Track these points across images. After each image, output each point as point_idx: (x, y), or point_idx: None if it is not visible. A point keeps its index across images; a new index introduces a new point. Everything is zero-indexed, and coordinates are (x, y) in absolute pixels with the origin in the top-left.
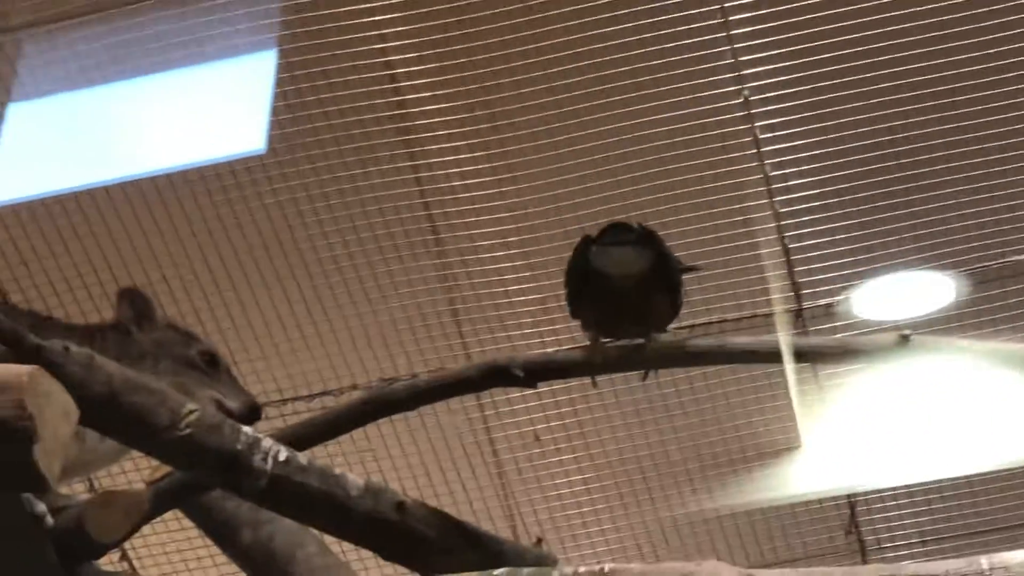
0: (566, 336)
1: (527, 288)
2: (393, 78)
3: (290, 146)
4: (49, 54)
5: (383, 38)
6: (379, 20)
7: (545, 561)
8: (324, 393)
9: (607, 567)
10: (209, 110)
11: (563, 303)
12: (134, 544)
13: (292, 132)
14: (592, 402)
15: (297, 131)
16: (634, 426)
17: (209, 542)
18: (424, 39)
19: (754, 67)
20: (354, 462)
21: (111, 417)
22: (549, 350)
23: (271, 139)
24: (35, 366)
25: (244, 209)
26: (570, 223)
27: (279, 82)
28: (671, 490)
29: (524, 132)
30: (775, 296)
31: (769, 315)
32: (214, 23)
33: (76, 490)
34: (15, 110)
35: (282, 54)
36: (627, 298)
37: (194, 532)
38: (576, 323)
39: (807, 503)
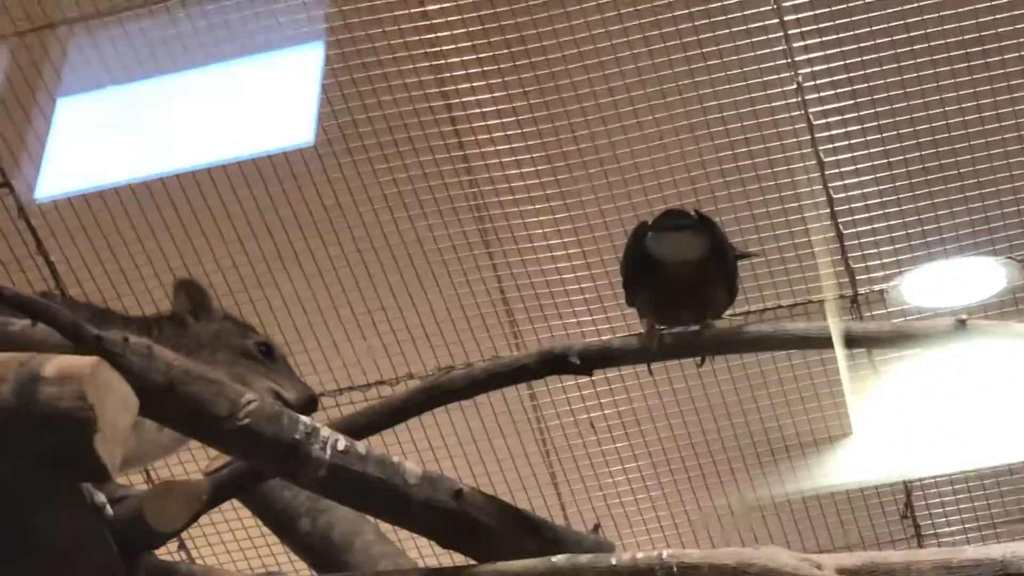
0: (619, 324)
1: (580, 276)
2: (442, 68)
3: (341, 136)
4: (98, 48)
5: (432, 28)
6: (428, 9)
7: (603, 548)
8: (380, 383)
9: (665, 553)
10: (257, 103)
11: (615, 291)
12: (191, 533)
13: (342, 123)
14: (645, 390)
15: (347, 122)
16: (687, 413)
17: (265, 530)
18: (474, 27)
19: (807, 53)
20: (408, 451)
21: (170, 407)
22: (604, 337)
23: (322, 130)
24: (96, 357)
25: (298, 199)
26: (624, 211)
27: (327, 74)
28: (725, 477)
29: (577, 119)
30: (829, 282)
31: (823, 301)
32: (263, 15)
33: (133, 480)
34: (64, 104)
35: (330, 45)
36: (683, 284)
37: (250, 520)
38: (628, 310)
39: (862, 489)
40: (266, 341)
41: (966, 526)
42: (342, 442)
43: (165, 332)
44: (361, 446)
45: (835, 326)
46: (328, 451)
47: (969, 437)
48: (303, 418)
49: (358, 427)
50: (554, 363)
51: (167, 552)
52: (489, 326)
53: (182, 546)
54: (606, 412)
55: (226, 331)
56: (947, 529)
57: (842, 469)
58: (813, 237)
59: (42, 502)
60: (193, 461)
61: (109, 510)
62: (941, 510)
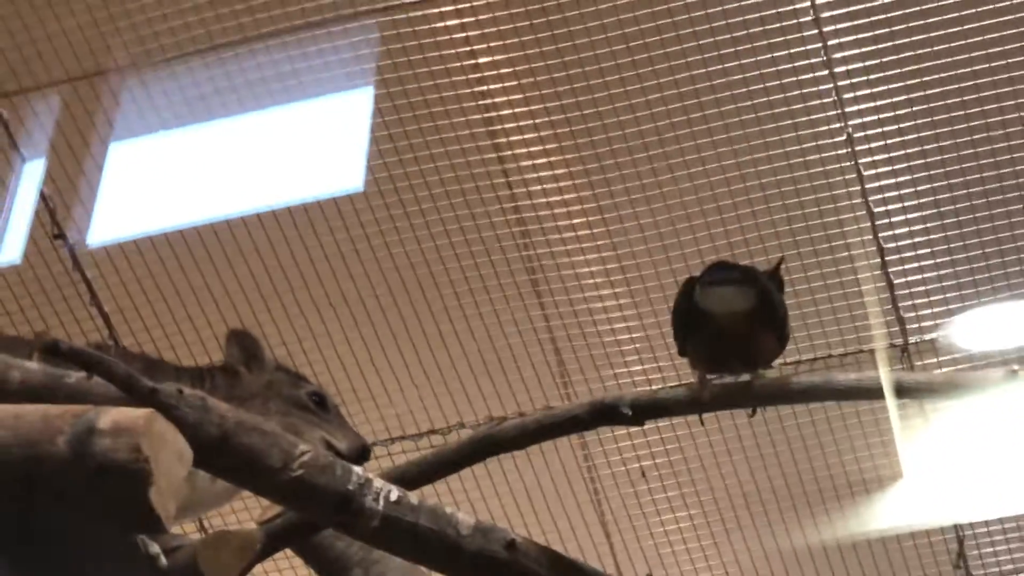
0: (670, 373)
1: (630, 324)
2: (491, 110)
3: (391, 180)
4: (149, 93)
5: (481, 80)
6: (475, 49)
7: None
8: (431, 432)
9: None
10: (307, 148)
11: (665, 339)
12: None
13: (391, 167)
14: (696, 439)
15: (396, 165)
16: (737, 460)
17: None
18: (523, 71)
19: (857, 104)
20: (460, 500)
21: (224, 458)
22: (654, 385)
23: (371, 175)
24: (150, 409)
25: (349, 248)
26: (675, 260)
27: (377, 118)
28: (775, 524)
29: (628, 171)
30: (879, 332)
31: (873, 350)
32: (312, 59)
33: (186, 530)
34: (117, 148)
35: (379, 86)
36: (733, 336)
37: (303, 569)
38: (677, 358)
39: (913, 535)
40: (318, 391)
41: (1017, 572)
42: (395, 493)
43: (217, 383)
44: (413, 497)
45: (886, 377)
46: (381, 502)
47: (1020, 482)
48: (356, 469)
49: (410, 477)
50: (605, 413)
51: None
52: (540, 375)
53: None
54: (657, 461)
55: (278, 381)
56: (998, 574)
57: (892, 515)
58: (864, 287)
59: (96, 553)
60: (246, 510)
61: (163, 560)
62: (994, 559)
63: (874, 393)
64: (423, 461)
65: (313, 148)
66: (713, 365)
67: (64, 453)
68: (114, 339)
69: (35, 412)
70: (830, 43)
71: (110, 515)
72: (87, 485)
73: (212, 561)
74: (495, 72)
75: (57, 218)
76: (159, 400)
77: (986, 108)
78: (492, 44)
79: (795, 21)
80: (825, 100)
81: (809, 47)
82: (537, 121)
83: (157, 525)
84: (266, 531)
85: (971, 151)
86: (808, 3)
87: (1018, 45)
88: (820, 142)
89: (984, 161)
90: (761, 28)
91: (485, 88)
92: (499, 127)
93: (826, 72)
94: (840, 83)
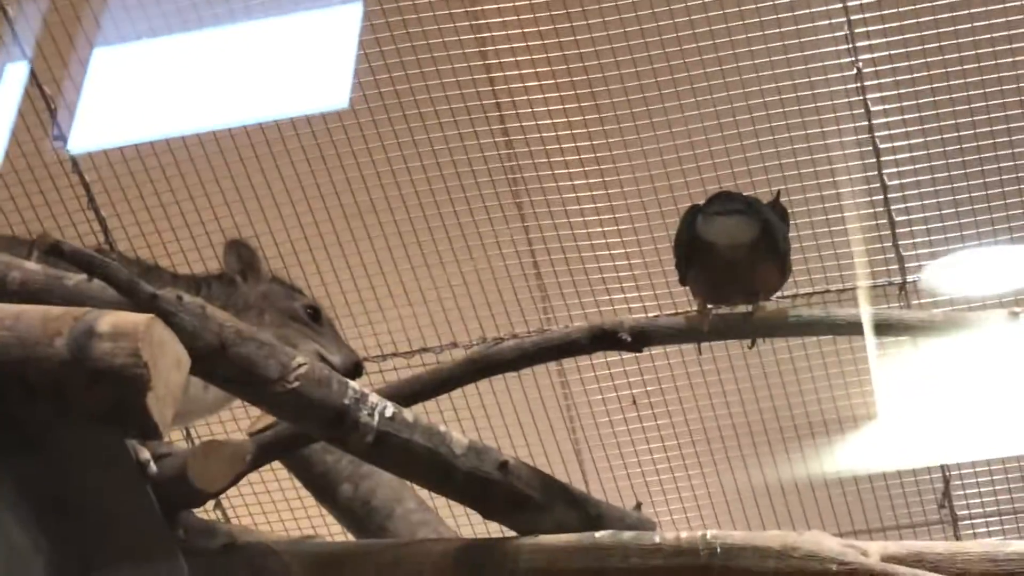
0: (666, 301)
1: (614, 253)
2: (483, 35)
3: (379, 96)
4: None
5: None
6: None
7: (644, 525)
8: (424, 350)
9: (709, 534)
10: (293, 62)
11: (654, 268)
12: (226, 492)
13: (381, 83)
14: (675, 369)
15: (385, 82)
16: (715, 394)
17: (302, 493)
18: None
19: (868, 39)
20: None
21: (221, 367)
22: (651, 315)
23: (357, 92)
24: (151, 315)
25: (336, 162)
26: (678, 188)
27: (365, 35)
28: (757, 458)
29: (618, 88)
30: (879, 268)
31: (874, 287)
32: None
33: (172, 439)
34: (100, 55)
35: (368, 3)
36: (735, 266)
37: (288, 483)
38: (663, 288)
39: (900, 473)
40: (313, 304)
41: (1003, 516)
42: (390, 409)
43: (214, 291)
44: (408, 413)
45: (887, 313)
46: (376, 417)
47: (1007, 423)
48: (352, 383)
49: (405, 394)
50: (604, 339)
51: (203, 510)
52: (535, 298)
53: (218, 505)
54: (634, 392)
55: (274, 293)
56: (982, 516)
57: (876, 453)
58: (865, 223)
59: (89, 458)
60: (233, 420)
61: (153, 467)
62: (978, 499)
63: (874, 329)
64: (418, 379)
65: (298, 62)
66: (714, 295)
67: (63, 355)
68: (109, 243)
69: (35, 313)
70: None
71: (106, 419)
72: (84, 388)
73: (202, 470)
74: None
75: (58, 119)
76: (159, 306)
77: (997, 48)
78: None
79: None
80: (837, 34)
81: None
82: (530, 44)
83: (153, 431)
84: (257, 442)
85: (980, 91)
86: None
87: None
88: (829, 75)
89: (992, 102)
90: None
91: (478, 9)
92: (491, 47)
93: (840, 5)
94: (853, 16)
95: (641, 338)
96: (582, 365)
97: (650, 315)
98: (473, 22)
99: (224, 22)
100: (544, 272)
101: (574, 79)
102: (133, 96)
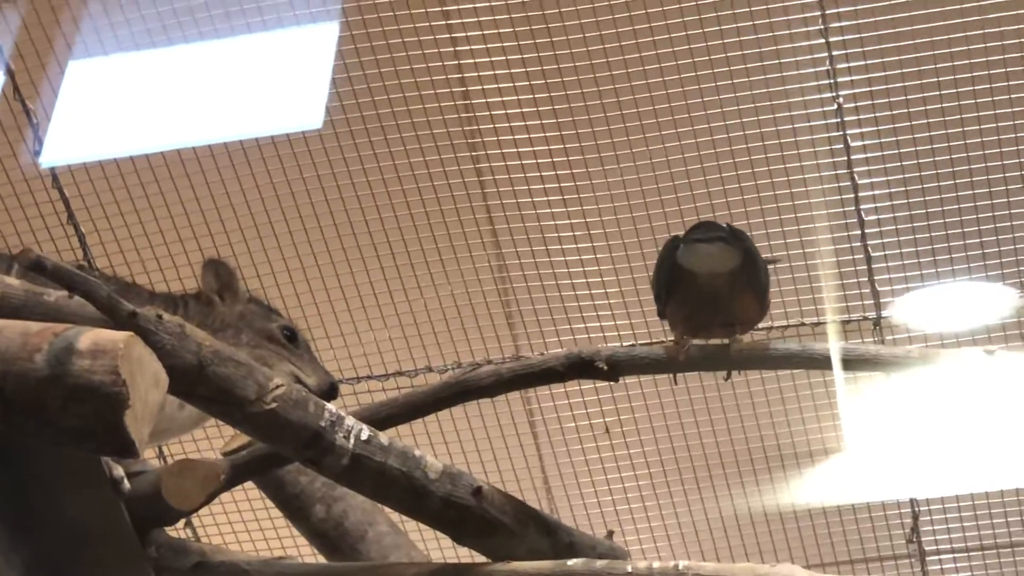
0: (641, 331)
1: (592, 282)
2: (460, 56)
3: (349, 120)
4: (108, 15)
5: (450, 27)
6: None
7: (616, 554)
8: (399, 374)
9: (682, 564)
10: (268, 80)
11: (630, 297)
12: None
13: (356, 104)
14: (646, 399)
15: (358, 105)
16: (687, 424)
17: (273, 513)
18: (495, 16)
19: (850, 75)
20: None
21: (199, 387)
22: (626, 344)
23: (335, 111)
24: (130, 332)
25: (313, 185)
26: (656, 219)
27: (339, 60)
28: (727, 489)
29: (598, 117)
30: (855, 303)
31: (848, 321)
32: None
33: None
34: (75, 67)
35: (345, 26)
36: (715, 297)
37: (259, 502)
38: (645, 318)
39: (869, 507)
40: (290, 325)
41: (970, 552)
42: (365, 432)
43: (191, 310)
44: (384, 437)
45: (864, 348)
46: (352, 440)
47: (978, 459)
48: (328, 406)
49: (380, 418)
50: (581, 367)
51: (172, 529)
52: (512, 324)
53: (188, 523)
54: (606, 420)
55: (251, 313)
56: (950, 552)
57: (847, 486)
58: (841, 258)
59: (63, 475)
60: (207, 439)
61: (126, 484)
62: (946, 535)
63: (850, 364)
64: (393, 402)
65: (274, 81)
66: (692, 326)
67: (42, 370)
68: (88, 259)
69: (15, 328)
70: (828, 11)
71: (83, 436)
72: (63, 404)
73: (176, 488)
74: (466, 20)
75: (40, 134)
76: (138, 324)
77: (977, 79)
78: None
79: None
80: (819, 68)
81: (808, 15)
82: (508, 62)
83: (130, 449)
84: (232, 462)
85: (959, 129)
86: None
87: (1008, 28)
88: (810, 110)
89: (971, 140)
90: None
91: (457, 35)
92: (468, 72)
93: (822, 40)
94: (835, 52)
95: (618, 367)
96: (549, 392)
97: (625, 344)
98: (450, 48)
99: (199, 38)
100: (521, 299)
101: (553, 103)
102: (107, 110)
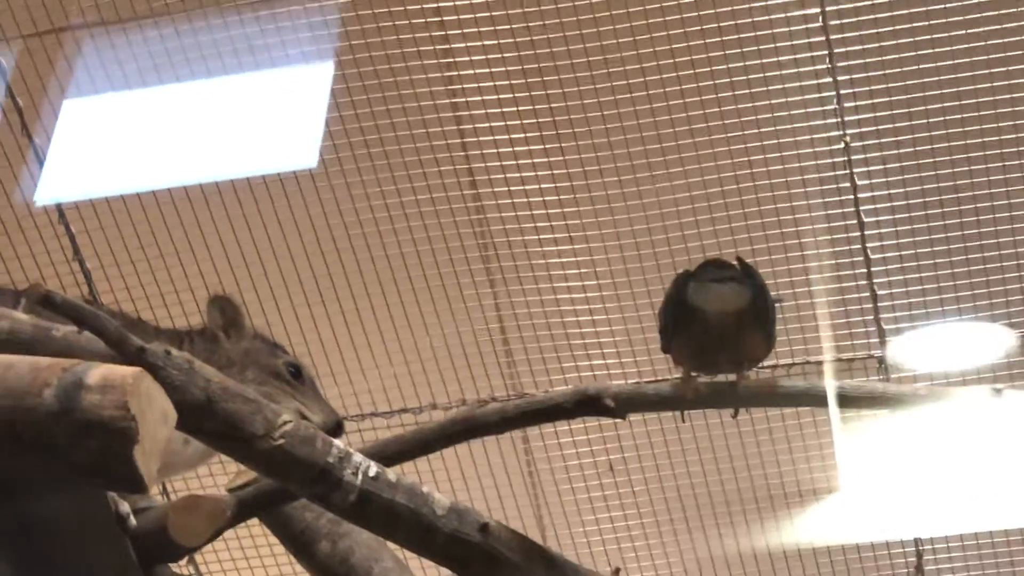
0: (646, 368)
1: (597, 319)
2: (456, 95)
3: (339, 161)
4: (99, 55)
5: (448, 65)
6: (443, 22)
7: None
8: (403, 411)
9: None
10: (263, 119)
11: (636, 335)
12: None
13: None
14: (638, 438)
15: (358, 142)
16: (691, 462)
17: (276, 549)
18: (491, 45)
19: (857, 113)
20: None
21: (207, 422)
22: (632, 381)
23: (323, 156)
24: (139, 368)
25: (313, 223)
26: (662, 256)
27: (334, 98)
28: (730, 528)
29: (590, 157)
30: (860, 341)
31: (853, 359)
32: (272, 31)
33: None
34: (70, 106)
35: (340, 65)
36: (723, 335)
37: (261, 539)
38: (651, 356)
39: (873, 546)
40: (295, 362)
41: None
42: (373, 468)
43: (196, 346)
44: (392, 474)
45: (871, 386)
46: (359, 477)
47: (983, 498)
48: (336, 442)
49: (387, 454)
50: (588, 404)
51: (175, 566)
52: (516, 361)
53: (191, 560)
54: (609, 457)
55: (256, 349)
56: None
57: (850, 525)
58: (847, 296)
59: (69, 510)
60: (211, 476)
61: (132, 520)
62: (951, 575)
63: (856, 402)
64: (401, 439)
65: (268, 120)
66: (699, 363)
67: (51, 406)
68: (93, 295)
69: (24, 363)
70: (836, 50)
71: (92, 471)
72: (72, 440)
73: (182, 525)
74: (463, 59)
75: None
76: (147, 359)
77: (984, 127)
78: (462, 17)
79: (804, 27)
80: (827, 107)
81: (815, 53)
82: (503, 102)
83: (139, 485)
84: (238, 498)
85: (966, 168)
86: (817, 9)
87: (1018, 67)
88: (817, 148)
89: (977, 179)
90: (766, 17)
91: (453, 74)
92: (464, 111)
93: (830, 79)
94: (843, 91)
95: (626, 404)
96: (542, 432)
97: (629, 381)
98: (447, 87)
99: (191, 77)
100: (526, 336)
101: (551, 142)
102: (103, 149)
